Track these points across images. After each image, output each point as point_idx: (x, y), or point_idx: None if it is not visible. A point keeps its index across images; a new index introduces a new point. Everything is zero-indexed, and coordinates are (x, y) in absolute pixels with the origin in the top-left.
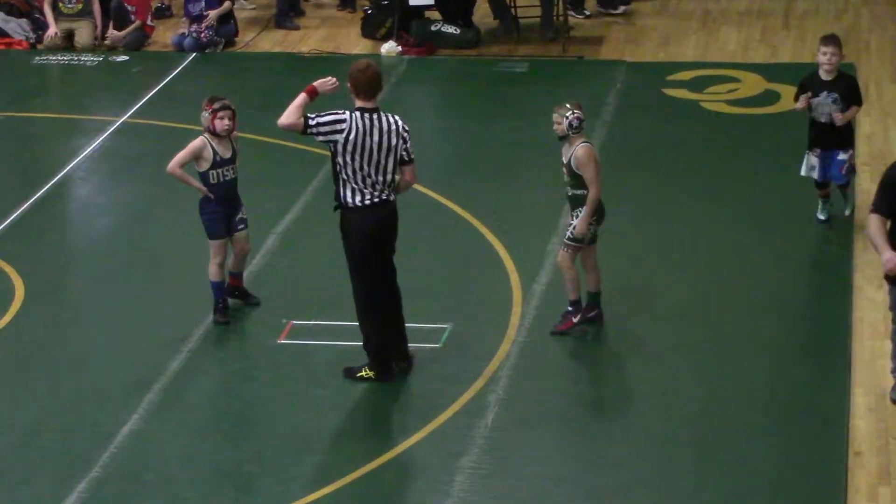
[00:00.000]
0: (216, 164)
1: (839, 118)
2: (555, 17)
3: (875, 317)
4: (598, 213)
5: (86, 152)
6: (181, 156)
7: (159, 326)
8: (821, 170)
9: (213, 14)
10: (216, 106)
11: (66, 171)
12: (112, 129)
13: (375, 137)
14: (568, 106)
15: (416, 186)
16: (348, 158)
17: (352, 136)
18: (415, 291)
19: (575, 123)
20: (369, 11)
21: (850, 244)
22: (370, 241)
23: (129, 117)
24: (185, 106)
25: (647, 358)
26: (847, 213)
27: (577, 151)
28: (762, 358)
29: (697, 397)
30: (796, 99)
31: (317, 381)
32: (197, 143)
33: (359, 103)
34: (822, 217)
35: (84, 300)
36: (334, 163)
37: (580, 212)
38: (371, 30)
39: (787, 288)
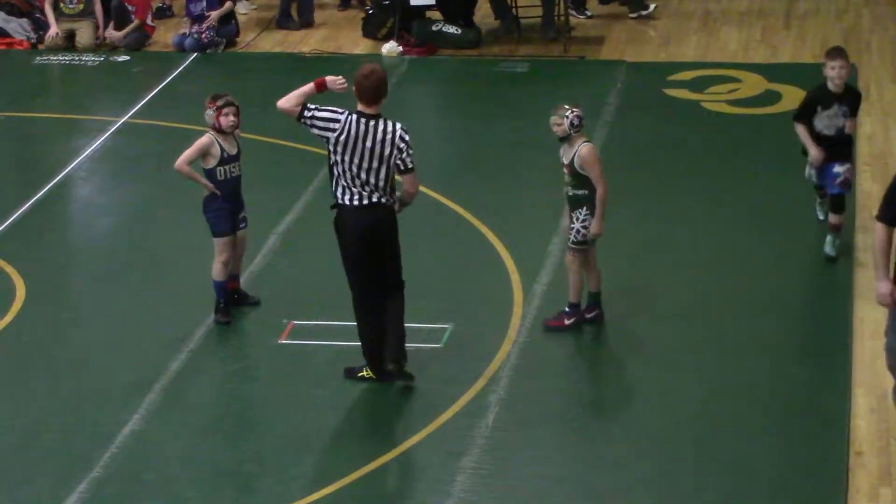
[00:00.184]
0: (224, 160)
1: (851, 126)
2: (556, 18)
3: (876, 316)
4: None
5: (87, 152)
6: (189, 153)
7: (160, 326)
8: (819, 177)
9: (214, 15)
10: (220, 103)
11: (66, 171)
12: (113, 129)
13: (368, 144)
14: (563, 106)
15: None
16: (338, 158)
17: (342, 138)
18: (416, 291)
19: (576, 122)
20: (370, 11)
21: (850, 244)
22: (360, 241)
23: (130, 117)
24: (186, 106)
25: (647, 358)
26: (832, 254)
27: (581, 151)
28: (762, 358)
29: (698, 397)
30: (800, 117)
31: (317, 381)
32: (204, 140)
33: (359, 107)
34: (821, 217)
35: (85, 300)
36: (329, 158)
37: (580, 213)
38: (372, 30)
39: (787, 288)
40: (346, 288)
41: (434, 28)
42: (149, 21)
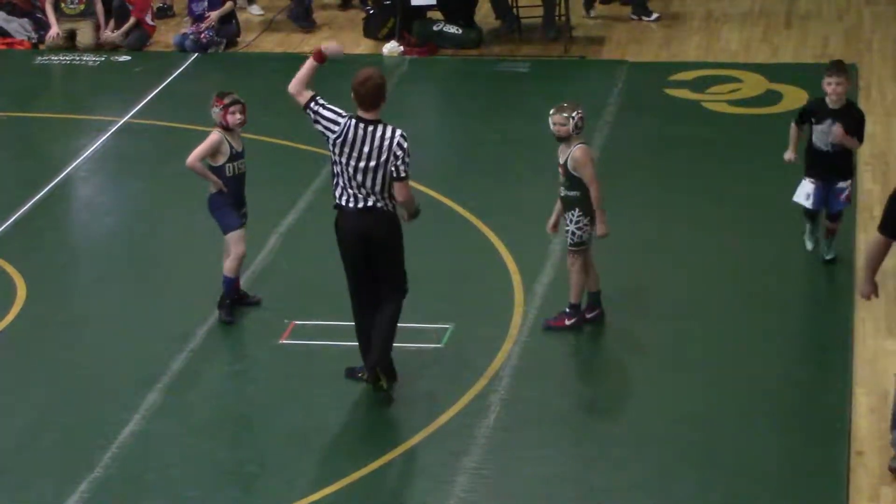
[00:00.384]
0: (232, 157)
1: (838, 133)
2: (556, 18)
3: (877, 316)
4: (592, 215)
5: (87, 152)
6: (201, 150)
7: (161, 326)
8: (817, 199)
9: (213, 15)
10: (227, 101)
11: (67, 171)
12: (114, 129)
13: (366, 148)
14: (568, 106)
15: (418, 186)
16: (336, 158)
17: (339, 140)
18: (417, 291)
19: (580, 124)
20: (371, 11)
21: (851, 243)
22: (354, 244)
23: (131, 117)
24: (186, 106)
25: (647, 358)
26: (829, 257)
27: (574, 153)
28: (763, 358)
29: (698, 397)
30: (797, 122)
31: (318, 382)
32: (214, 137)
33: (359, 112)
34: (810, 246)
35: (85, 300)
36: (331, 157)
37: (573, 214)
38: (373, 30)
39: (787, 288)
40: (347, 289)
41: (435, 28)
42: (148, 20)
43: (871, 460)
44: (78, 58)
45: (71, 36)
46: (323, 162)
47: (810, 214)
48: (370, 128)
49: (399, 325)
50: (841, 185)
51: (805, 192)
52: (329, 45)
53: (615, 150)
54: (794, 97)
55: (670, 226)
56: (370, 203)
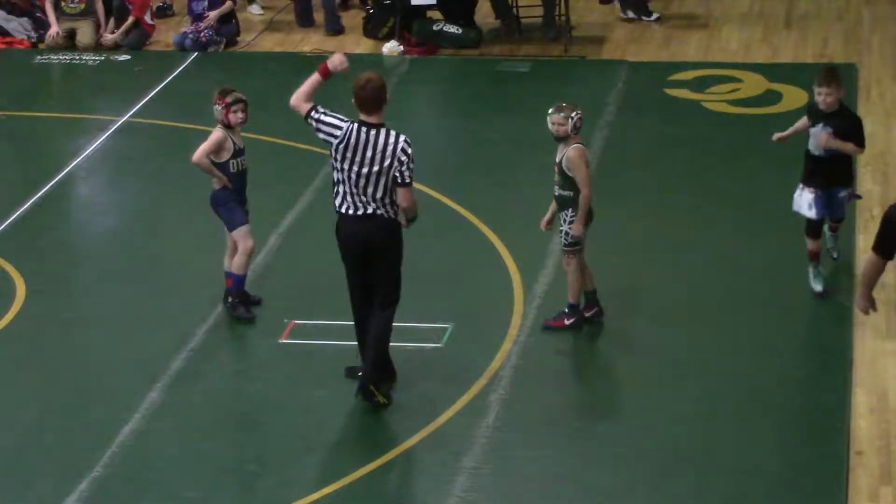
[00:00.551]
0: (236, 153)
1: (822, 138)
2: (556, 17)
3: (876, 316)
4: (588, 215)
5: (87, 151)
6: (206, 147)
7: (161, 326)
8: (819, 207)
9: (213, 14)
10: (229, 100)
11: (67, 170)
12: (113, 128)
13: (368, 153)
14: (567, 106)
15: (418, 186)
16: (338, 165)
17: (341, 146)
18: (416, 291)
19: (579, 125)
20: (371, 11)
21: (851, 244)
22: (353, 250)
23: (131, 116)
24: (186, 105)
25: (647, 357)
26: (835, 255)
27: (569, 152)
28: (763, 357)
29: (698, 397)
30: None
31: (318, 381)
32: (219, 134)
33: (361, 117)
34: (817, 287)
35: (85, 299)
36: (331, 164)
37: (567, 214)
38: (373, 29)
39: (787, 287)
40: (346, 288)
41: (435, 28)
42: (148, 20)
43: (871, 460)
44: (77, 57)
45: (70, 35)
46: (322, 161)
47: (813, 231)
48: (373, 132)
49: (399, 324)
50: (842, 193)
51: (807, 203)
52: (334, 58)
53: (615, 149)
54: (794, 97)
55: (670, 225)
56: (370, 210)
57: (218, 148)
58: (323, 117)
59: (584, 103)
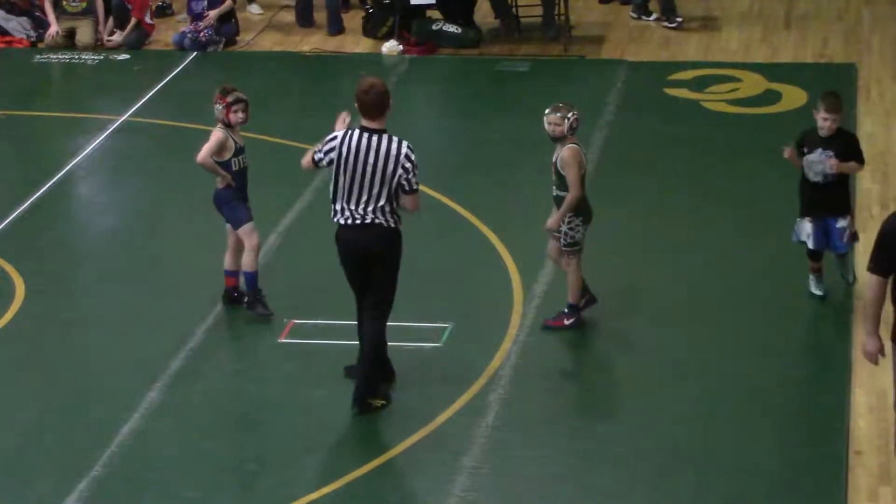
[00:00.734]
0: (237, 152)
1: (832, 164)
2: (556, 17)
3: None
4: (585, 214)
5: (86, 151)
6: (210, 146)
7: (160, 325)
8: (817, 237)
9: (212, 14)
10: (230, 99)
11: (66, 169)
12: (113, 127)
13: (371, 159)
14: (564, 106)
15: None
16: (339, 176)
17: (340, 156)
18: (416, 290)
19: (575, 125)
20: (370, 10)
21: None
22: (350, 258)
23: (130, 116)
24: (185, 105)
25: (647, 357)
26: (850, 279)
27: (563, 152)
28: (762, 357)
29: (698, 396)
30: (799, 149)
31: (317, 380)
32: (220, 134)
33: (363, 122)
34: (818, 292)
35: (84, 299)
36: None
37: (566, 214)
38: (372, 29)
39: (787, 287)
40: (346, 287)
41: (434, 27)
42: (147, 19)
43: (870, 459)
44: (77, 56)
45: (70, 35)
46: None
47: (813, 256)
48: (374, 137)
49: (398, 323)
50: (840, 223)
51: (805, 232)
52: (339, 123)
53: (614, 149)
54: (794, 97)
55: (670, 225)
56: (368, 220)
57: (220, 148)
58: (322, 149)
59: (583, 103)
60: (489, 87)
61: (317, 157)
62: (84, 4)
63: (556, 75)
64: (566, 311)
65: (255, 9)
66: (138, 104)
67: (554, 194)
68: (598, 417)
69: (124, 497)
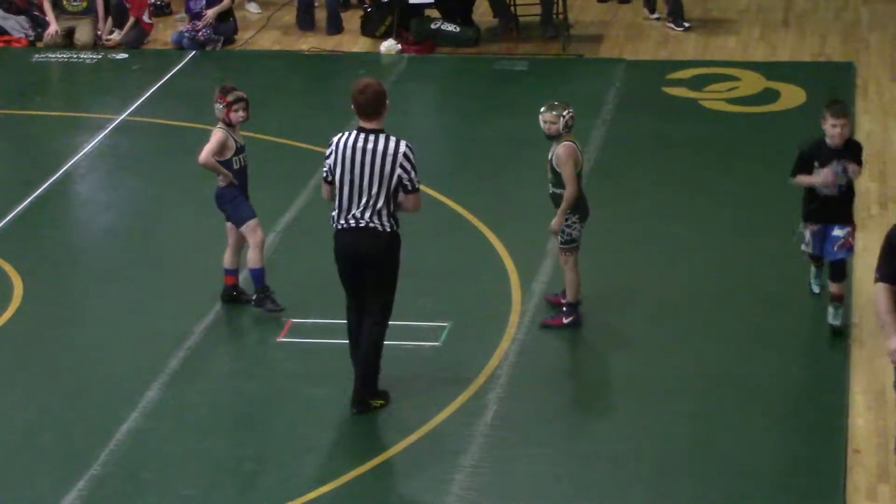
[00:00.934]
0: (238, 150)
1: (855, 170)
2: (554, 16)
3: (873, 314)
4: (582, 212)
5: (85, 150)
6: (211, 146)
7: (159, 324)
8: (816, 243)
9: (210, 13)
10: (230, 98)
11: (65, 168)
12: (111, 126)
13: (368, 158)
14: (559, 104)
15: None
16: (337, 178)
17: (336, 157)
18: (414, 290)
19: (571, 123)
20: (369, 9)
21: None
22: (345, 262)
23: (129, 115)
24: (184, 104)
25: (646, 356)
26: (836, 323)
27: (558, 150)
28: (762, 356)
29: (697, 396)
30: (794, 173)
31: (316, 380)
32: (220, 134)
33: (360, 123)
34: (816, 289)
35: (83, 298)
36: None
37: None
38: (371, 28)
39: (785, 286)
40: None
41: (433, 26)
42: (146, 18)
43: (869, 458)
44: (75, 55)
45: (68, 34)
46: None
47: (816, 258)
48: (371, 137)
49: (397, 322)
50: (836, 231)
51: (805, 240)
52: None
53: (613, 148)
54: (792, 95)
55: (668, 224)
56: (362, 224)
57: (221, 147)
58: (325, 163)
59: (581, 102)
60: (487, 86)
61: (323, 173)
62: (85, 4)
63: (554, 74)
64: (564, 309)
65: (253, 8)
66: (137, 103)
67: (550, 192)
68: (597, 416)
69: (123, 495)
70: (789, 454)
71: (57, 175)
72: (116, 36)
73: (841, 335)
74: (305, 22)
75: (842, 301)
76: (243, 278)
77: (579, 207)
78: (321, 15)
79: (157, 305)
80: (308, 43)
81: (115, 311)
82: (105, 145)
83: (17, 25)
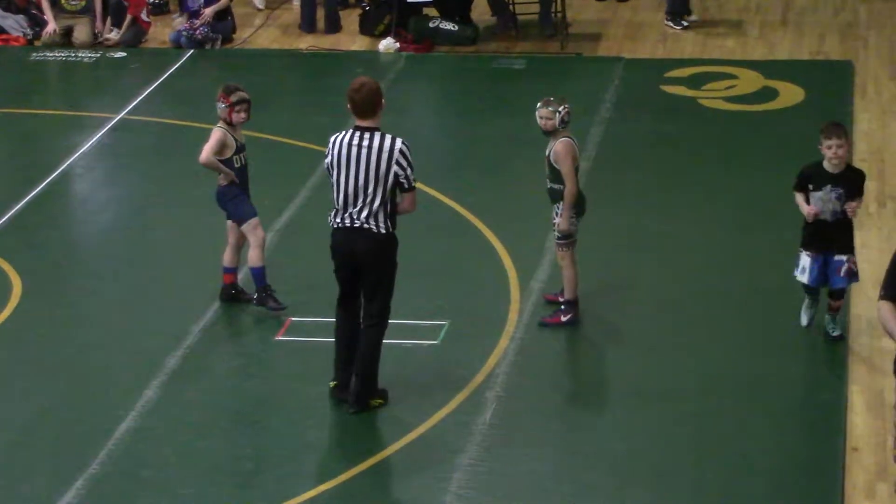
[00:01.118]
0: (238, 149)
1: (852, 208)
2: (553, 14)
3: (873, 313)
4: (579, 207)
5: (83, 149)
6: (211, 146)
7: (157, 323)
8: (813, 274)
9: (208, 11)
10: (234, 100)
11: (63, 167)
12: (109, 125)
13: (363, 157)
14: (555, 100)
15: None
16: (334, 179)
17: (334, 159)
18: (413, 288)
19: (566, 119)
20: (367, 8)
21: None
22: (340, 262)
23: (127, 114)
24: (182, 102)
25: (644, 355)
26: (836, 334)
27: (556, 146)
28: (760, 355)
29: (696, 394)
30: (796, 189)
31: (314, 378)
32: (220, 133)
33: (356, 122)
34: (805, 322)
35: (82, 296)
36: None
37: (558, 208)
38: (369, 26)
39: (784, 284)
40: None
41: (431, 24)
42: (144, 17)
43: (867, 457)
44: (73, 54)
45: (67, 33)
46: (319, 158)
47: (810, 290)
48: (367, 135)
49: (395, 321)
50: (838, 258)
51: (801, 266)
52: None
53: (611, 146)
54: (790, 94)
55: (667, 222)
56: (357, 224)
57: (221, 146)
58: (325, 161)
59: (580, 100)
60: (486, 84)
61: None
62: (83, 3)
63: (552, 73)
64: (562, 307)
65: (258, 2)
66: (135, 102)
67: (548, 187)
68: (596, 415)
69: (121, 494)
70: (788, 453)
71: (55, 174)
72: (115, 35)
73: (840, 339)
74: (308, 24)
75: (839, 311)
76: (243, 277)
77: (576, 203)
78: (319, 14)
79: (155, 304)
80: (306, 42)
81: (113, 310)
82: (103, 144)
83: (15, 24)
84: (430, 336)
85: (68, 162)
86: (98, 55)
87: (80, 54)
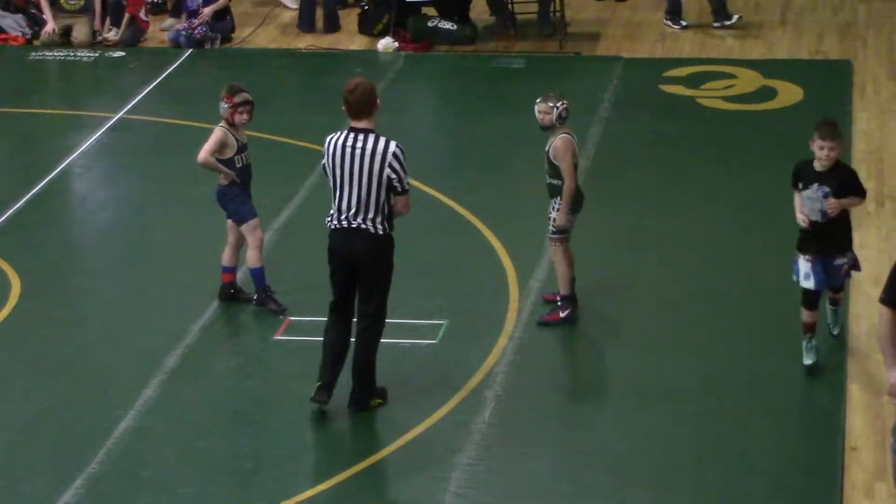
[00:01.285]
0: (239, 149)
1: (832, 205)
2: (551, 13)
3: (872, 312)
4: (576, 203)
5: (82, 148)
6: (210, 146)
7: (157, 322)
8: (818, 278)
9: (207, 10)
10: (237, 101)
11: (62, 167)
12: (108, 124)
13: (357, 159)
14: (553, 96)
15: (413, 182)
16: (331, 176)
17: (328, 160)
18: (412, 288)
19: (564, 114)
20: (366, 7)
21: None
22: (335, 262)
23: (126, 113)
24: (181, 102)
25: (644, 355)
26: (835, 332)
27: (555, 142)
28: (759, 354)
29: (695, 394)
30: (793, 186)
31: (313, 378)
32: (220, 133)
33: (351, 123)
34: (808, 361)
35: (81, 296)
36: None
37: (556, 203)
38: (368, 26)
39: (783, 284)
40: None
41: (430, 24)
42: (142, 16)
43: (866, 456)
44: (72, 54)
45: (66, 32)
46: (318, 158)
47: (809, 302)
48: (361, 136)
49: (394, 320)
50: (839, 261)
51: (804, 272)
52: None
53: (610, 145)
54: (789, 93)
55: (665, 222)
56: (354, 225)
57: (221, 146)
58: (322, 163)
59: (579, 99)
60: (484, 84)
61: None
62: (82, 2)
63: (551, 72)
64: (560, 303)
65: (290, 2)
66: (134, 101)
67: (547, 182)
68: (595, 415)
69: (120, 494)
70: (787, 452)
71: (54, 173)
72: (113, 34)
73: (837, 336)
74: (307, 24)
75: (839, 304)
76: (242, 277)
77: (574, 199)
78: (318, 13)
79: (154, 303)
80: (305, 41)
81: (112, 309)
82: (102, 143)
83: (14, 24)
84: (428, 335)
85: (67, 161)
86: (97, 55)
87: (78, 54)
